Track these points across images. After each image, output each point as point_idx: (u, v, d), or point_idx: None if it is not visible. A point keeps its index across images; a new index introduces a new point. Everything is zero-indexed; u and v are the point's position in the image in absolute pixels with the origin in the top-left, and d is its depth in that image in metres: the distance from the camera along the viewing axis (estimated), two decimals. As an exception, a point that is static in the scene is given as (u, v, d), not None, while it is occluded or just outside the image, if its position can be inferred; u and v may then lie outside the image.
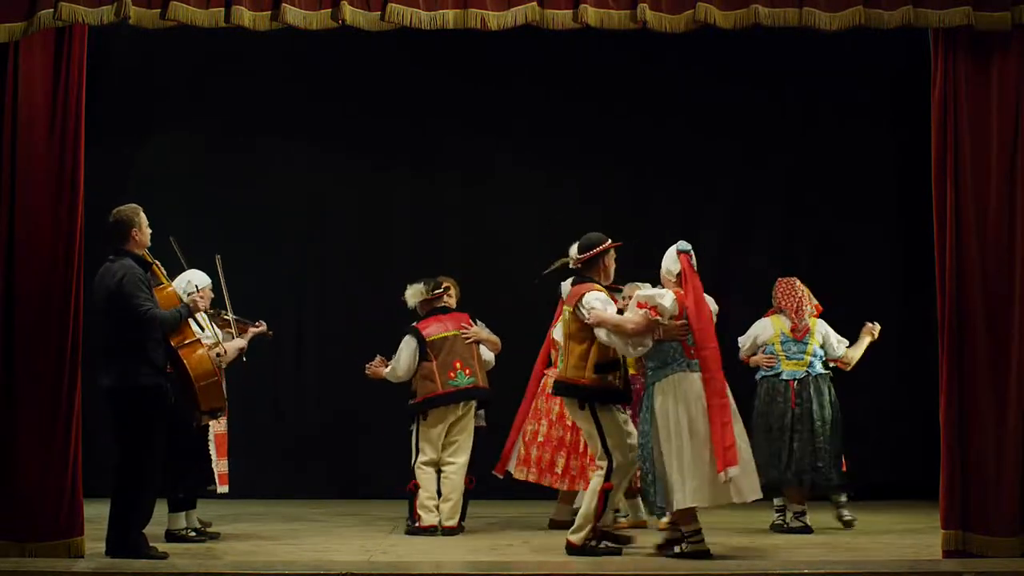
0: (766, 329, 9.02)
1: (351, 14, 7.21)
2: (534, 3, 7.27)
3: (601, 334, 7.51)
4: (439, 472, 8.70)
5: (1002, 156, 7.37)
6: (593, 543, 7.58)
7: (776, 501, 8.95)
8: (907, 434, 11.22)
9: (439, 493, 8.67)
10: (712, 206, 11.76)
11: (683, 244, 7.72)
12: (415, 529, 8.58)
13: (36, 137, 7.25)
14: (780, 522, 8.88)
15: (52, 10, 7.06)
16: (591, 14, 7.26)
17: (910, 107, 10.37)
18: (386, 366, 8.91)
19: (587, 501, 7.60)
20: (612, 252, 7.84)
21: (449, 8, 7.26)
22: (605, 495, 7.56)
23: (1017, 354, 7.26)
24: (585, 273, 7.78)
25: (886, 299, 11.61)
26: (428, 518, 8.56)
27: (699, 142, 11.56)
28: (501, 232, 11.51)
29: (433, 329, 8.80)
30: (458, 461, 8.68)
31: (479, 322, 8.98)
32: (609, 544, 7.65)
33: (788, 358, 8.98)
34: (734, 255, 11.48)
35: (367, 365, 9.04)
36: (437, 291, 8.92)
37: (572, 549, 7.57)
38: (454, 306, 9.01)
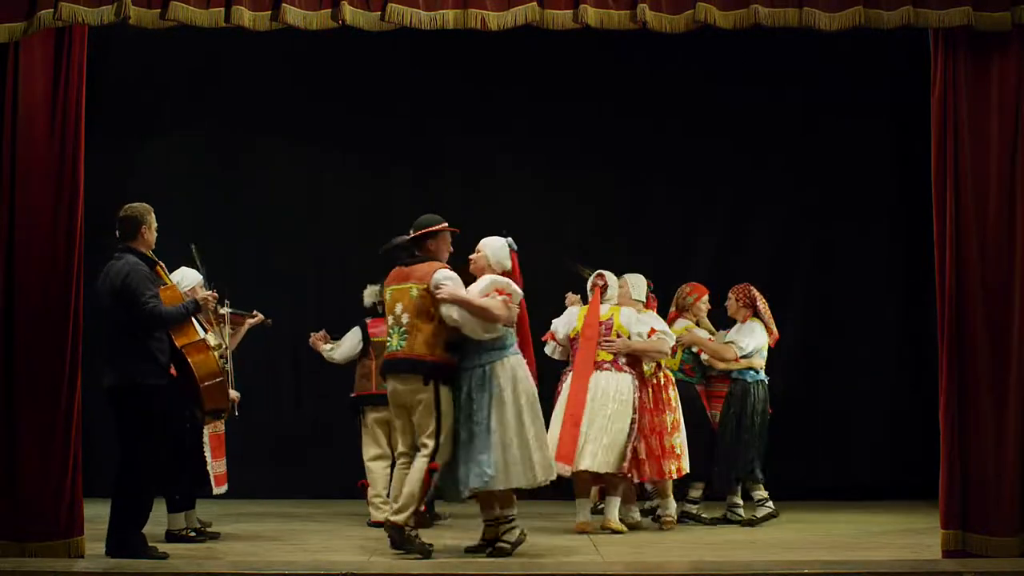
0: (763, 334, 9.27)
1: (351, 14, 7.21)
2: (534, 3, 7.27)
3: (454, 312, 7.49)
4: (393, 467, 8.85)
5: (1002, 156, 7.37)
6: (413, 531, 7.50)
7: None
8: (907, 434, 11.23)
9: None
10: (711, 206, 11.77)
11: (512, 242, 7.87)
12: (371, 523, 8.95)
13: (36, 137, 7.24)
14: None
15: (52, 10, 7.06)
16: (591, 14, 7.26)
17: (910, 107, 10.37)
18: (327, 342, 9.26)
19: (413, 481, 7.47)
20: (446, 236, 7.82)
21: (449, 8, 7.26)
22: (431, 475, 7.51)
23: (1017, 354, 7.26)
24: (416, 252, 7.72)
25: (886, 299, 11.63)
26: (376, 514, 8.94)
27: (699, 142, 11.56)
28: (500, 232, 11.49)
29: (381, 330, 8.89)
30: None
31: None
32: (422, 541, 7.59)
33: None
34: (733, 255, 11.48)
35: (311, 334, 9.35)
36: None
37: (394, 528, 7.44)
38: None
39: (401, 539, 7.45)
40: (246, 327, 8.85)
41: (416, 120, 11.62)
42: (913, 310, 11.34)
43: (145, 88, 11.48)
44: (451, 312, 7.48)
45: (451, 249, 7.83)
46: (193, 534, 8.13)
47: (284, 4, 7.16)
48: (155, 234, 7.51)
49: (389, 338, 7.66)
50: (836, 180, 11.63)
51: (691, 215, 11.74)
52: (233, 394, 8.53)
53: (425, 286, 7.54)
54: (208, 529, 8.39)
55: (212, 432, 8.38)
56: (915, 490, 10.41)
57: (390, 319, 7.67)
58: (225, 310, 8.53)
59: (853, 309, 11.55)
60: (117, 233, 7.51)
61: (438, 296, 7.48)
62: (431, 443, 7.50)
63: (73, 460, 7.19)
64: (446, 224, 7.79)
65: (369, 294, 9.32)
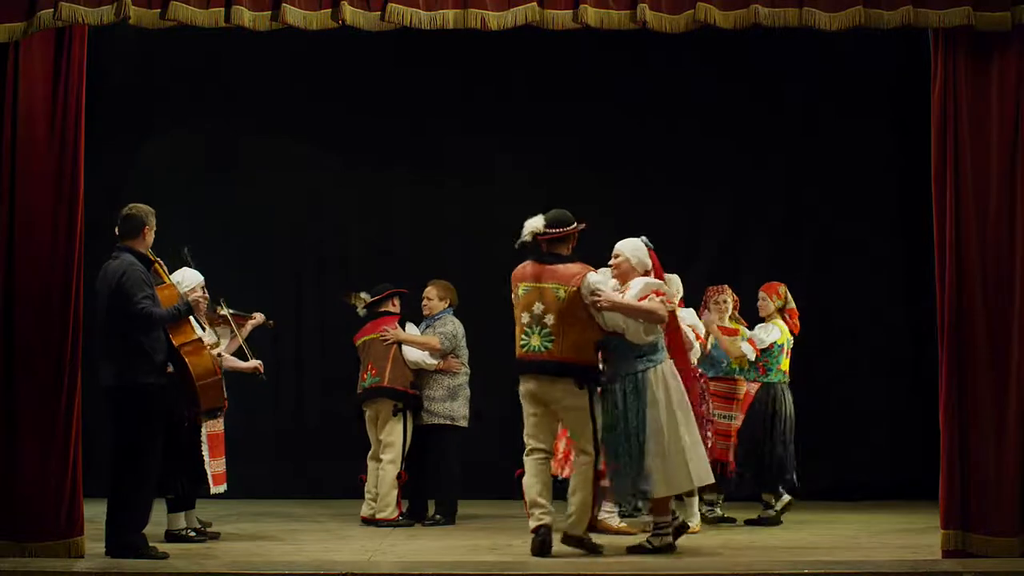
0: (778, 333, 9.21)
1: (351, 14, 7.21)
2: (534, 3, 7.27)
3: (618, 319, 7.47)
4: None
5: (1002, 156, 7.37)
6: (589, 534, 7.60)
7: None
8: (907, 434, 11.22)
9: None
10: (712, 206, 11.76)
11: (647, 240, 7.83)
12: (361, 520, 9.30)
13: (36, 137, 7.25)
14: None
15: (52, 10, 7.06)
16: (591, 14, 7.26)
17: (910, 107, 10.37)
18: None
19: (583, 489, 7.50)
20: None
21: (449, 8, 7.27)
22: (598, 481, 7.56)
23: (1017, 354, 7.26)
24: (555, 250, 7.63)
25: (886, 299, 11.62)
26: (363, 509, 9.30)
27: (699, 142, 11.55)
28: (500, 232, 11.49)
29: (362, 334, 9.45)
30: (386, 458, 9.21)
31: (412, 326, 9.44)
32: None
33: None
34: (734, 255, 11.47)
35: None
36: (376, 296, 9.47)
37: (572, 540, 7.52)
38: (427, 311, 9.54)
39: (577, 544, 7.49)
40: (249, 328, 8.85)
41: (416, 120, 11.61)
42: (913, 310, 11.33)
43: (145, 88, 11.48)
44: (616, 319, 7.47)
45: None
46: (193, 534, 8.14)
47: (284, 4, 7.16)
48: (153, 237, 7.52)
49: (524, 337, 7.55)
50: (836, 180, 11.62)
51: (691, 215, 11.73)
52: (255, 362, 8.61)
53: (575, 288, 7.49)
54: (208, 529, 8.39)
55: (210, 431, 8.38)
56: (915, 490, 10.40)
57: (525, 317, 7.55)
58: (225, 311, 8.53)
59: (853, 309, 11.54)
60: (117, 231, 7.52)
61: (598, 304, 7.45)
62: (591, 449, 7.52)
63: (73, 460, 7.19)
64: (576, 223, 7.75)
65: (359, 304, 9.54)
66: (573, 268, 7.57)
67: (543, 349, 7.50)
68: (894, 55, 11.05)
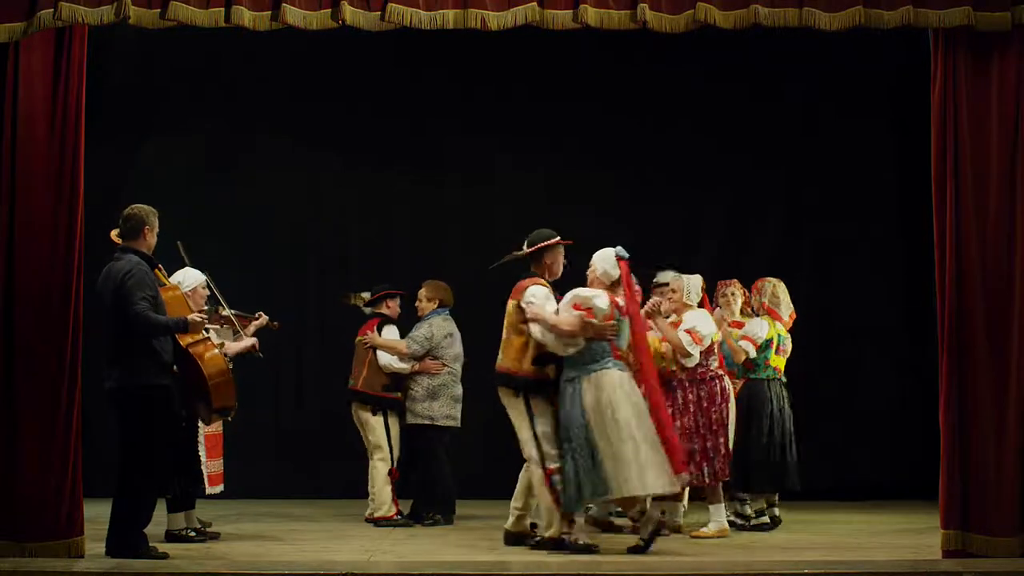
0: (767, 327, 9.09)
1: (351, 14, 7.21)
2: (534, 3, 7.27)
3: (535, 330, 7.66)
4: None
5: (1002, 156, 7.37)
6: (571, 537, 7.60)
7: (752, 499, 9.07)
8: (907, 434, 11.23)
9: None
10: (712, 206, 11.77)
11: (622, 250, 7.85)
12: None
13: (36, 137, 7.24)
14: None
15: (52, 10, 7.06)
16: (591, 14, 7.26)
17: (910, 107, 10.37)
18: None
19: (539, 494, 7.67)
20: (560, 250, 7.97)
21: (449, 8, 7.27)
22: (552, 482, 7.59)
23: (1017, 354, 7.26)
24: (531, 268, 7.95)
25: (886, 299, 11.63)
26: (367, 510, 9.38)
27: (699, 142, 11.56)
28: (500, 233, 11.48)
29: (358, 335, 9.55)
30: (375, 456, 9.29)
31: (391, 328, 9.46)
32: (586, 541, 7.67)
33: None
34: (734, 255, 11.47)
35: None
36: (372, 297, 9.58)
37: (548, 544, 7.61)
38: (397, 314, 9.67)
39: (561, 548, 7.57)
40: (252, 328, 8.86)
41: (416, 120, 11.62)
42: (913, 310, 11.34)
43: (145, 88, 11.48)
44: (534, 330, 7.68)
45: (565, 261, 8.01)
46: (193, 534, 8.13)
47: (284, 4, 7.16)
48: (156, 238, 7.53)
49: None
50: (836, 180, 11.63)
51: (691, 215, 11.74)
52: (251, 340, 8.63)
53: (517, 302, 7.77)
54: (208, 529, 8.39)
55: (208, 432, 8.37)
56: (915, 490, 10.41)
57: (503, 333, 7.95)
58: (227, 311, 8.52)
59: (853, 309, 11.55)
60: (118, 232, 7.52)
61: (526, 316, 7.69)
62: (535, 453, 7.68)
63: (73, 460, 7.18)
64: (559, 238, 7.95)
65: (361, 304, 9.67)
66: (525, 283, 7.83)
67: (498, 360, 7.87)
68: (894, 55, 11.05)
